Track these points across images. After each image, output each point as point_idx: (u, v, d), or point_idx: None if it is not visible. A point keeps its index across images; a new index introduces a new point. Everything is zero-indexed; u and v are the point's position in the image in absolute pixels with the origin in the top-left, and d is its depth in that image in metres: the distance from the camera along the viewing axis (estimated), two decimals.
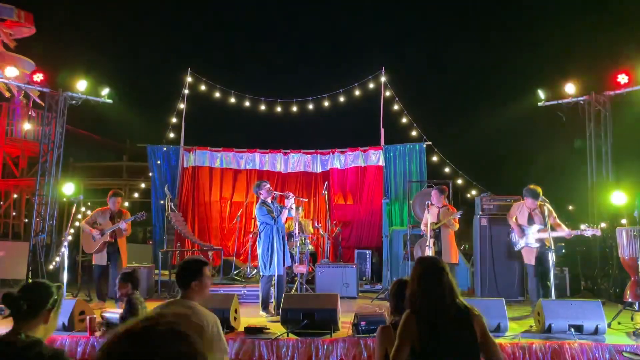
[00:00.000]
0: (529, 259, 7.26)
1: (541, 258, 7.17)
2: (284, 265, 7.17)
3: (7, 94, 15.57)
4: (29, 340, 2.31)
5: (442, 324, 2.68)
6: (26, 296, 2.42)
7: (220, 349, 3.04)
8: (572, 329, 5.76)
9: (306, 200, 7.83)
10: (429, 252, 7.33)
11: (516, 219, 7.43)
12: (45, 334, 2.44)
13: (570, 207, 13.24)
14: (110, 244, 8.00)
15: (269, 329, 6.09)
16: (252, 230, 10.60)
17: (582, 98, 9.57)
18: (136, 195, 14.19)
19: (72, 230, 11.16)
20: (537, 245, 7.16)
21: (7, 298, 2.42)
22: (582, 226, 6.99)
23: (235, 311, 6.24)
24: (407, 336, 2.70)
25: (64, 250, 7.52)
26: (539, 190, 7.13)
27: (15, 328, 2.37)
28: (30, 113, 15.22)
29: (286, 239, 7.42)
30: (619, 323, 6.43)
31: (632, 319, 6.64)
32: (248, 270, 9.99)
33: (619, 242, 7.42)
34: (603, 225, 9.25)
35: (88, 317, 5.89)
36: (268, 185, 7.38)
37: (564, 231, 7.01)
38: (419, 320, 2.72)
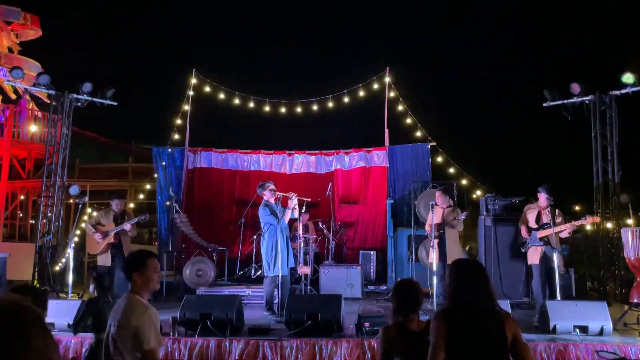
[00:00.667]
0: (533, 259, 7.28)
1: (545, 258, 7.19)
2: (287, 266, 7.17)
3: (13, 96, 15.70)
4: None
5: (473, 325, 2.67)
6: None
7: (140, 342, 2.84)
8: (577, 330, 5.74)
9: (309, 200, 7.81)
10: (433, 253, 7.31)
11: (527, 221, 7.46)
12: None
13: (577, 208, 13.20)
14: (114, 246, 8.02)
15: (272, 329, 6.10)
16: (257, 231, 10.60)
17: (587, 98, 9.52)
18: (141, 196, 14.22)
19: (78, 232, 11.25)
20: (541, 244, 7.18)
21: None
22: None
23: (240, 312, 6.25)
24: (440, 334, 2.70)
25: (70, 252, 7.55)
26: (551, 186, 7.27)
27: None
28: (36, 114, 15.32)
29: (290, 240, 7.43)
30: (625, 324, 6.40)
31: (638, 319, 6.60)
32: (252, 271, 10.00)
33: (625, 243, 7.40)
34: (609, 225, 9.21)
35: None
36: (272, 186, 7.39)
37: (564, 226, 7.06)
38: (449, 319, 2.71)
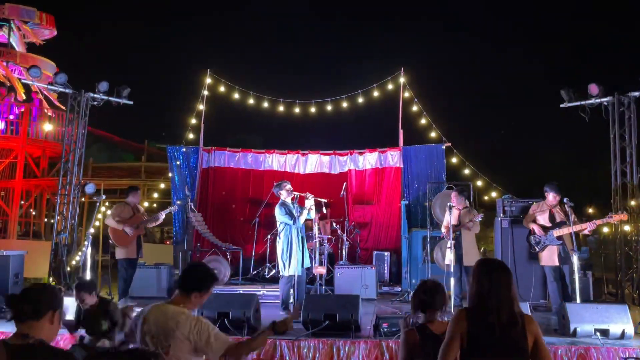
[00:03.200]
0: (551, 260, 7.17)
1: (561, 259, 7.10)
2: (302, 266, 7.15)
3: (23, 97, 15.78)
4: (37, 341, 2.27)
5: (493, 324, 2.65)
6: (29, 298, 2.40)
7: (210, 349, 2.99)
8: (598, 333, 5.67)
9: (326, 200, 7.79)
10: (451, 254, 7.24)
11: (535, 220, 7.39)
12: (50, 335, 2.41)
13: (590, 210, 13.08)
14: (139, 237, 8.11)
15: (290, 329, 6.07)
16: (271, 230, 10.60)
17: (605, 99, 9.42)
18: (155, 195, 14.30)
19: (92, 230, 11.30)
20: (559, 243, 7.09)
21: (11, 299, 2.40)
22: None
23: (257, 311, 6.24)
24: (457, 330, 2.68)
25: (86, 249, 7.57)
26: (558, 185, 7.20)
27: (19, 330, 2.35)
28: (50, 114, 15.43)
29: (305, 239, 7.40)
30: None
31: None
32: (267, 271, 10.00)
33: None
34: (627, 228, 9.11)
35: None
36: (289, 186, 7.38)
37: (585, 225, 6.95)
38: (471, 316, 2.70)
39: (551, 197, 7.22)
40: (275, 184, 7.69)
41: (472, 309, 2.75)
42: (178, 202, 9.76)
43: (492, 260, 2.97)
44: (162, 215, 8.13)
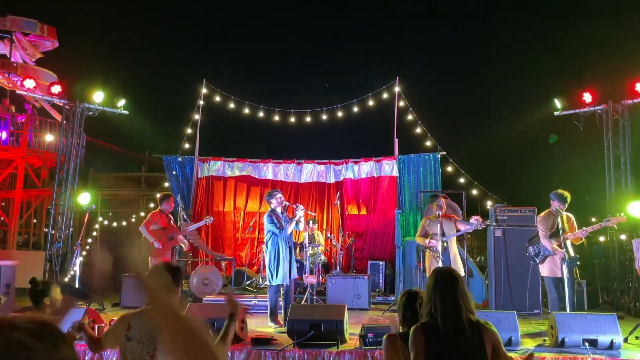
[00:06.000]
0: (552, 271, 6.93)
1: (562, 268, 6.95)
2: (290, 276, 7.08)
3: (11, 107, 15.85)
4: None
5: (450, 336, 2.61)
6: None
7: None
8: (587, 344, 5.59)
9: (315, 215, 7.76)
10: (439, 263, 7.15)
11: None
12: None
13: (594, 219, 12.93)
14: (173, 249, 7.78)
15: (275, 339, 6.04)
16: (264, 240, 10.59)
17: (599, 107, 9.40)
18: (152, 205, 14.34)
19: (89, 240, 11.34)
20: (560, 252, 6.90)
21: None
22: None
23: (242, 321, 6.21)
24: (416, 346, 2.65)
25: (75, 259, 7.56)
26: (567, 195, 6.79)
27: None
28: (51, 123, 15.51)
29: (293, 249, 7.36)
30: (637, 337, 6.22)
31: None
32: (260, 281, 9.97)
33: (636, 254, 7.21)
34: (623, 237, 9.03)
35: (97, 326, 5.93)
36: (279, 195, 7.36)
37: (579, 232, 6.73)
38: (427, 331, 2.66)
39: (554, 205, 6.93)
40: (267, 192, 7.68)
41: (426, 322, 2.71)
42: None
43: (441, 268, 2.94)
44: (195, 227, 7.96)
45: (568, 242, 6.74)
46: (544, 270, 7.06)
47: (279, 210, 7.31)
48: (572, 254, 6.74)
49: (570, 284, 6.66)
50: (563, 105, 9.72)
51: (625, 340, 5.87)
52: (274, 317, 7.04)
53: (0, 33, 16.30)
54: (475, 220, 7.21)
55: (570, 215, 6.87)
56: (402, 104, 11.43)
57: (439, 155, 10.98)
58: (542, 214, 7.09)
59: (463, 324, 2.63)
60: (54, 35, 17.26)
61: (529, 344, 5.98)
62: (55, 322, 1.12)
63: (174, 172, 11.63)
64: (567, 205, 6.79)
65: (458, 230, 7.34)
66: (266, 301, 8.23)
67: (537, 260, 7.11)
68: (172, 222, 7.85)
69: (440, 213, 7.26)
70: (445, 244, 7.23)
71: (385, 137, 11.61)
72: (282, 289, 7.06)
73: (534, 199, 9.06)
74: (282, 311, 7.08)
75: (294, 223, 7.14)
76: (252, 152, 12.11)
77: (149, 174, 17.84)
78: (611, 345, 5.60)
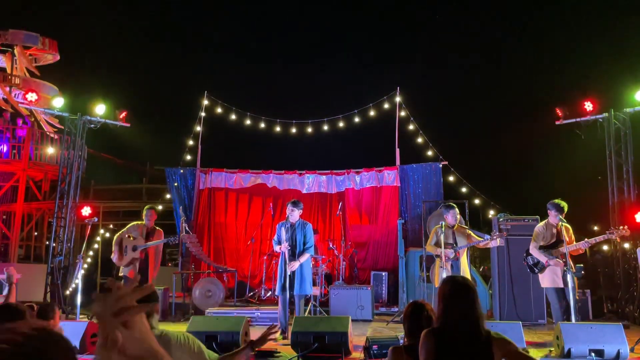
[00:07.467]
0: (553, 282, 6.85)
1: (564, 278, 6.88)
2: (286, 289, 6.93)
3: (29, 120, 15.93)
4: None
5: (462, 344, 2.60)
6: None
7: None
8: (593, 354, 5.55)
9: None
10: (444, 274, 7.11)
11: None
12: None
13: (596, 228, 12.92)
14: (141, 260, 7.71)
15: (279, 352, 5.99)
16: (267, 251, 10.54)
17: (601, 116, 9.39)
18: None
19: (91, 252, 11.29)
20: (562, 261, 6.83)
21: None
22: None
23: (246, 334, 6.17)
24: (429, 352, 2.62)
25: (77, 272, 7.52)
26: (563, 204, 6.70)
27: None
28: (53, 136, 15.55)
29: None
30: None
31: None
32: (262, 292, 9.92)
33: None
34: (626, 245, 8.99)
35: None
36: (299, 209, 7.28)
37: (581, 243, 6.66)
38: (439, 337, 2.64)
39: (552, 216, 6.87)
40: (293, 200, 7.50)
41: (438, 329, 2.70)
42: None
43: (455, 276, 2.93)
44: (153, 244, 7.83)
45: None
46: (545, 281, 6.91)
47: (289, 223, 7.23)
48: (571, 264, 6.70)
49: (575, 294, 6.60)
50: (564, 114, 9.70)
51: (632, 350, 5.82)
52: (282, 328, 6.94)
53: (2, 46, 16.37)
54: (497, 236, 7.17)
55: (569, 226, 6.80)
56: (403, 113, 11.45)
57: (441, 165, 10.97)
58: (540, 224, 7.01)
59: (476, 333, 2.62)
60: (55, 48, 17.35)
61: (535, 355, 5.94)
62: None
63: (176, 184, 11.62)
64: (564, 214, 6.74)
65: (470, 242, 7.29)
66: (268, 313, 8.20)
67: (537, 270, 7.00)
68: (146, 235, 7.77)
69: (455, 223, 7.25)
70: (456, 255, 7.20)
71: (387, 147, 11.62)
72: (284, 300, 6.96)
73: (537, 209, 9.03)
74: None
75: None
76: (254, 163, 12.10)
77: (151, 185, 17.81)
78: (618, 356, 5.56)
